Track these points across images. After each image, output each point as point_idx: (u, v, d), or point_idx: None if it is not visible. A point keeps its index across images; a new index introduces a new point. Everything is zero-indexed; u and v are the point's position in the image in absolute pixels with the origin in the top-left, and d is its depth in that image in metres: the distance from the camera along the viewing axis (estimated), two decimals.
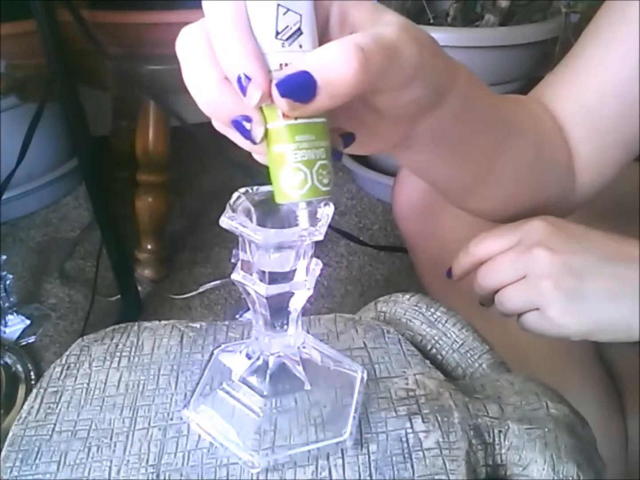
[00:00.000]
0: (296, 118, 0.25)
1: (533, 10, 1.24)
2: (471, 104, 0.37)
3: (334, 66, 0.23)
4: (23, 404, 0.35)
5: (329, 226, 0.28)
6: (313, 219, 0.27)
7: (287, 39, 0.24)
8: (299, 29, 0.24)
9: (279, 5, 0.23)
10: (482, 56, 1.18)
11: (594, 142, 0.48)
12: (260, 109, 0.25)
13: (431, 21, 1.24)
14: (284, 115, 0.24)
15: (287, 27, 0.24)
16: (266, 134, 0.25)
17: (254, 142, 0.25)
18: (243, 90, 0.24)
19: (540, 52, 1.25)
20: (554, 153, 0.48)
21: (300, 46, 0.24)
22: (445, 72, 0.31)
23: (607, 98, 0.47)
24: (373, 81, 0.24)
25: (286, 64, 0.24)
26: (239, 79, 0.23)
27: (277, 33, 0.24)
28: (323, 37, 0.26)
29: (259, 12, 0.24)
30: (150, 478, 0.30)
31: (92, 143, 0.89)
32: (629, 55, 0.45)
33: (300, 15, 0.24)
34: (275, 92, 0.23)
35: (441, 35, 1.13)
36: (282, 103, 0.23)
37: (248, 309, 0.38)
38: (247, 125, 0.25)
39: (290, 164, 0.25)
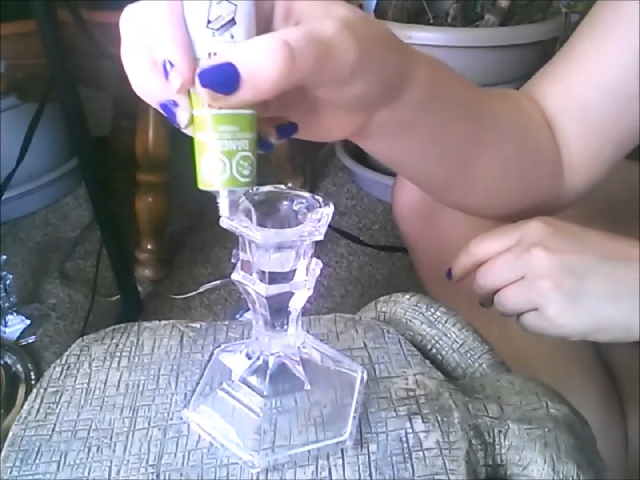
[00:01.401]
0: (220, 108, 0.25)
1: (533, 10, 1.24)
2: (437, 97, 0.36)
3: (259, 60, 0.23)
4: (23, 404, 0.35)
5: (329, 226, 0.28)
6: (234, 207, 0.27)
7: (218, 29, 0.24)
8: (233, 19, 0.24)
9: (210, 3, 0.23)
10: (482, 56, 1.18)
11: (586, 138, 0.48)
12: (189, 95, 0.25)
13: (431, 21, 1.24)
14: (209, 104, 0.25)
15: (219, 16, 0.24)
16: (193, 120, 0.26)
17: (180, 127, 0.26)
18: (166, 75, 0.24)
19: (540, 52, 1.25)
20: (539, 148, 0.48)
21: (232, 37, 0.24)
22: (398, 68, 0.31)
23: (600, 93, 0.46)
24: (300, 78, 0.24)
25: (215, 54, 0.24)
26: (164, 64, 0.24)
27: (209, 22, 0.24)
28: (267, 29, 0.26)
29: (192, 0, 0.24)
30: (150, 478, 0.30)
31: (92, 143, 0.89)
32: (623, 50, 0.45)
33: (236, 6, 0.24)
34: (197, 82, 0.23)
35: (441, 35, 1.13)
36: (203, 93, 0.24)
37: (248, 309, 0.38)
38: (174, 110, 0.25)
39: (211, 153, 0.25)
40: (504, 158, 0.45)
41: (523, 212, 0.46)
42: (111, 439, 0.32)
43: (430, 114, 0.37)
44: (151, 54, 0.25)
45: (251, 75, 0.23)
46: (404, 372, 0.36)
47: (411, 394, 0.34)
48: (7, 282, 1.01)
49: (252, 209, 0.28)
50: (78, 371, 0.37)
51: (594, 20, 0.47)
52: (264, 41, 0.23)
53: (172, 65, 0.24)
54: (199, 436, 0.32)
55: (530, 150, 0.47)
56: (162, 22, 0.24)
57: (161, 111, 0.26)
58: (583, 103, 0.47)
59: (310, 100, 0.30)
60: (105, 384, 0.36)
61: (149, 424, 0.33)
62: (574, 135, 0.48)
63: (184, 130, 0.27)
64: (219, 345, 0.35)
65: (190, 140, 0.28)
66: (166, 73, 0.24)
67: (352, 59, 0.26)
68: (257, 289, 0.28)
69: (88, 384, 0.36)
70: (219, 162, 0.25)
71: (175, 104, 0.25)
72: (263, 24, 0.26)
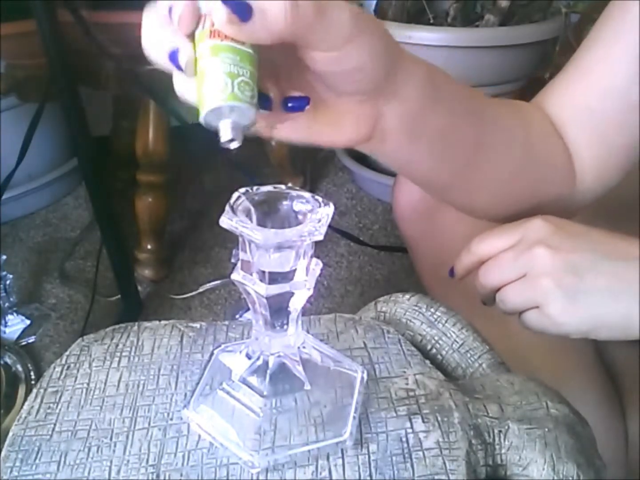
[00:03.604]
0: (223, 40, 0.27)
1: (533, 10, 1.24)
2: (438, 91, 0.38)
3: (269, 4, 0.26)
4: (23, 404, 0.35)
5: (329, 226, 0.28)
6: (236, 131, 0.27)
7: None
8: None
9: None
10: (482, 56, 1.18)
11: (596, 145, 0.49)
12: (193, 43, 0.28)
13: (431, 21, 1.24)
14: (211, 35, 0.27)
15: None
16: (195, 62, 0.28)
17: (181, 69, 0.28)
18: (170, 15, 0.28)
19: (540, 52, 1.25)
20: (546, 150, 0.48)
21: None
22: (392, 52, 0.33)
23: (609, 101, 0.47)
24: (303, 27, 0.27)
25: None
26: (169, 9, 0.28)
27: None
28: None
29: None
30: (150, 478, 0.30)
31: (92, 143, 0.89)
32: (630, 58, 0.45)
33: None
34: (219, 3, 0.26)
35: (441, 35, 1.13)
36: (221, 11, 0.26)
37: (248, 309, 0.38)
38: (179, 54, 0.28)
39: (214, 74, 0.27)
40: (510, 161, 0.46)
41: (532, 214, 0.47)
42: (111, 439, 0.32)
43: (433, 110, 0.38)
44: (159, 17, 0.28)
45: (262, 12, 0.26)
46: (404, 372, 0.36)
47: (411, 394, 0.34)
48: (7, 282, 1.02)
49: (252, 209, 0.28)
50: (78, 371, 0.37)
51: (600, 29, 0.48)
52: None
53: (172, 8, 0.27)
54: (199, 436, 0.32)
55: (536, 155, 0.47)
56: None
57: (169, 64, 0.28)
58: (589, 111, 0.48)
59: (323, 96, 0.32)
60: (105, 384, 0.36)
61: (149, 424, 0.33)
62: (583, 142, 0.49)
63: (184, 88, 0.30)
64: (219, 345, 0.35)
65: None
66: (170, 13, 0.28)
67: (347, 20, 0.29)
68: (257, 289, 0.28)
69: (88, 384, 0.36)
70: (221, 80, 0.27)
71: (178, 49, 0.28)
72: None
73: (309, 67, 0.31)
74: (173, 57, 0.28)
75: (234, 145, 0.28)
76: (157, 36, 0.28)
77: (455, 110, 0.40)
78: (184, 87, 0.30)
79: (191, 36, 0.28)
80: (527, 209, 0.47)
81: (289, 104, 0.32)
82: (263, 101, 0.29)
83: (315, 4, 0.27)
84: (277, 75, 0.32)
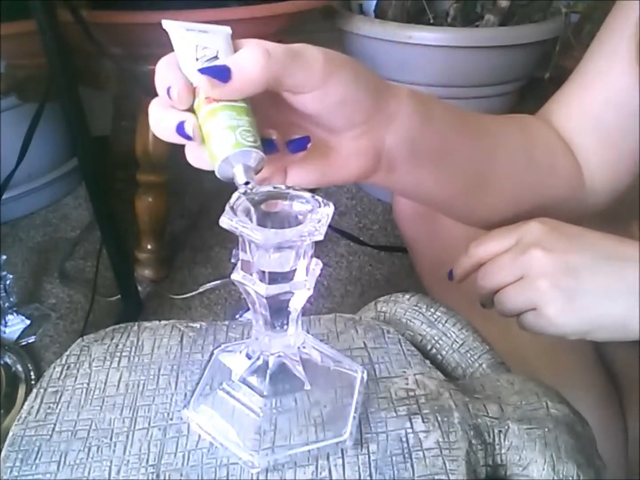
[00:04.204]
0: (217, 102, 0.31)
1: (533, 10, 1.24)
2: (431, 113, 0.39)
3: (244, 59, 0.30)
4: (23, 404, 0.35)
5: (329, 226, 0.28)
6: (249, 174, 0.30)
7: (205, 61, 0.31)
8: (216, 56, 0.32)
9: (197, 45, 0.31)
10: (482, 56, 1.18)
11: (602, 152, 0.50)
12: (193, 113, 0.31)
13: (431, 21, 1.24)
14: (207, 102, 0.31)
15: (204, 55, 0.31)
16: (201, 131, 0.31)
17: (190, 137, 0.31)
18: (169, 95, 0.31)
19: (540, 52, 1.25)
20: (550, 160, 0.49)
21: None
22: (374, 79, 0.35)
23: (612, 109, 0.48)
24: (278, 71, 0.30)
25: None
26: (167, 90, 0.31)
27: (197, 59, 0.31)
28: None
29: (182, 49, 0.32)
30: (150, 478, 0.30)
31: (92, 143, 0.89)
32: (630, 67, 0.46)
33: (217, 50, 0.32)
34: (198, 75, 0.30)
35: (441, 35, 1.13)
36: (203, 81, 0.30)
37: (248, 309, 0.38)
38: (184, 125, 0.31)
39: (217, 133, 0.30)
40: (514, 173, 0.47)
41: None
42: (111, 439, 0.32)
43: (429, 128, 0.39)
44: (161, 100, 0.32)
45: (239, 69, 0.29)
46: (404, 372, 0.36)
47: (411, 394, 0.34)
48: (7, 282, 1.01)
49: (252, 209, 0.28)
50: (78, 371, 0.37)
51: (602, 40, 0.50)
52: (248, 47, 0.30)
53: (170, 88, 0.31)
54: (199, 436, 0.32)
55: (539, 161, 0.48)
56: (161, 69, 0.32)
57: (177, 138, 0.31)
58: (596, 120, 0.50)
59: (321, 136, 0.35)
60: (105, 384, 0.36)
61: (149, 424, 0.33)
62: (590, 149, 0.50)
63: (196, 157, 0.33)
64: (219, 345, 0.35)
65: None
66: (169, 95, 0.31)
67: (319, 61, 0.31)
68: (257, 289, 0.28)
69: (88, 384, 0.36)
70: (224, 134, 0.30)
71: (183, 121, 0.31)
72: None
73: (302, 111, 0.33)
74: (180, 129, 0.31)
75: (250, 186, 0.30)
76: (162, 117, 0.32)
77: (449, 128, 0.42)
78: (195, 156, 0.33)
79: (191, 109, 0.32)
80: (530, 217, 0.48)
81: (292, 146, 0.34)
82: (268, 144, 0.32)
83: (286, 48, 0.30)
84: (277, 129, 0.34)
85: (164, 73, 0.32)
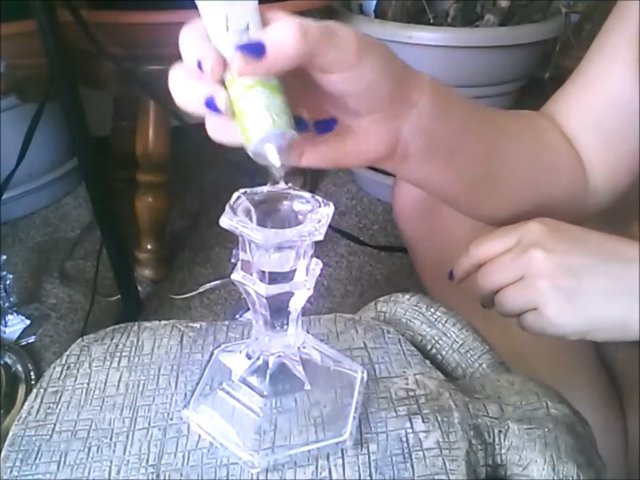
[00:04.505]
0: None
1: (533, 10, 1.24)
2: (448, 105, 0.39)
3: (279, 35, 0.29)
4: (23, 404, 0.35)
5: (329, 226, 0.28)
6: (283, 155, 0.30)
7: (236, 33, 0.30)
8: (246, 28, 0.30)
9: (226, 15, 0.30)
10: (482, 56, 1.18)
11: (605, 152, 0.50)
12: (224, 87, 0.30)
13: (431, 21, 1.24)
14: (242, 71, 0.29)
15: (235, 27, 0.30)
16: (231, 107, 0.30)
17: (220, 110, 0.30)
18: (200, 68, 0.29)
19: (540, 52, 1.25)
20: (555, 158, 0.49)
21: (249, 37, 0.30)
22: (400, 66, 0.35)
23: (613, 108, 0.48)
24: (313, 49, 0.29)
25: None
26: (198, 63, 0.29)
27: (227, 28, 0.30)
28: None
29: (211, 20, 0.30)
30: (150, 478, 0.30)
31: (92, 143, 0.89)
32: (629, 67, 0.46)
33: (247, 22, 0.30)
34: (233, 52, 0.29)
35: (441, 35, 1.13)
36: (237, 57, 0.29)
37: (248, 309, 0.38)
38: (215, 100, 0.30)
39: (252, 109, 0.29)
40: (520, 170, 0.47)
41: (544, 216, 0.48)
42: (111, 439, 0.32)
43: (445, 121, 0.39)
44: (189, 69, 0.30)
45: (274, 44, 0.28)
46: (404, 372, 0.36)
47: (411, 394, 0.34)
48: (7, 282, 1.01)
49: (252, 209, 0.28)
50: (78, 371, 0.37)
51: (602, 40, 0.50)
52: (283, 21, 0.29)
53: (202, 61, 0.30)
54: (199, 436, 0.32)
55: (545, 159, 0.49)
56: (190, 38, 0.30)
57: (206, 111, 0.30)
58: (596, 120, 0.50)
59: (342, 117, 0.34)
60: (105, 384, 0.36)
61: (149, 424, 0.33)
62: (592, 149, 0.50)
63: (220, 130, 0.32)
64: (219, 345, 0.35)
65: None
66: (200, 67, 0.29)
67: (354, 41, 0.31)
68: (257, 289, 0.28)
69: (88, 384, 0.36)
70: (261, 113, 0.29)
71: (214, 95, 0.30)
72: None
73: (328, 91, 0.32)
74: (210, 103, 0.30)
75: (283, 169, 0.30)
76: (189, 88, 0.31)
77: (465, 122, 0.42)
78: (218, 130, 0.32)
79: (222, 82, 0.30)
80: (535, 214, 0.48)
81: (320, 127, 0.34)
82: (299, 123, 0.32)
83: (322, 26, 0.29)
84: (303, 109, 0.34)
85: (194, 44, 0.30)
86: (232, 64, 0.29)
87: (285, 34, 0.28)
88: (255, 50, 0.29)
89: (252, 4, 0.31)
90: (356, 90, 0.32)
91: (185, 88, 0.31)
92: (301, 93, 0.33)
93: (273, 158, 0.30)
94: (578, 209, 0.52)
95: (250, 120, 0.29)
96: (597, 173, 0.51)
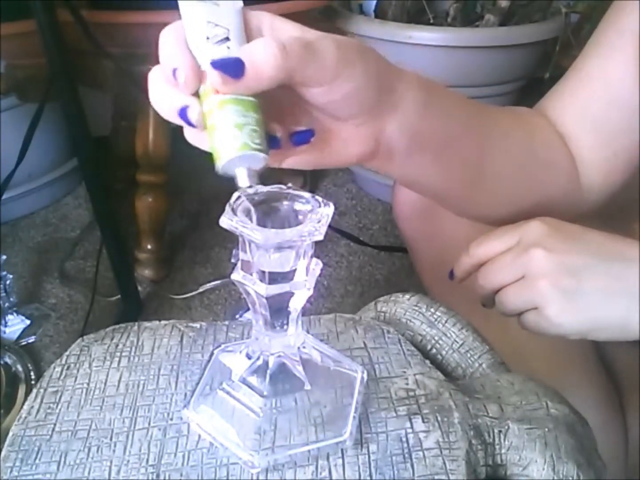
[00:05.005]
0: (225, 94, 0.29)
1: (533, 10, 1.24)
2: (436, 102, 0.39)
3: (259, 53, 0.28)
4: (23, 404, 0.35)
5: (329, 226, 0.28)
6: (252, 178, 0.30)
7: (215, 43, 0.29)
8: (227, 37, 0.30)
9: (208, 21, 0.29)
10: (482, 56, 1.18)
11: (598, 149, 0.49)
12: (198, 98, 0.30)
13: (431, 21, 1.24)
14: (217, 90, 0.29)
15: (215, 35, 0.29)
16: (204, 118, 0.30)
17: (192, 124, 0.30)
18: (174, 77, 0.29)
19: (540, 52, 1.25)
20: (549, 155, 0.49)
21: (228, 48, 0.30)
22: (384, 70, 0.35)
23: (609, 107, 0.48)
24: (293, 68, 0.29)
25: None
26: (173, 71, 0.29)
27: (208, 38, 0.29)
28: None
29: (191, 24, 0.30)
30: (150, 478, 0.30)
31: (92, 143, 0.89)
32: (627, 65, 0.46)
33: (228, 30, 0.30)
34: (210, 69, 0.28)
35: (441, 35, 1.13)
36: (214, 76, 0.28)
37: (248, 309, 0.38)
38: (187, 110, 0.30)
39: (223, 129, 0.29)
40: (513, 168, 0.47)
41: (534, 217, 0.47)
42: (111, 439, 0.32)
43: (433, 118, 0.39)
44: (165, 74, 0.30)
45: (253, 64, 0.28)
46: (404, 372, 0.36)
47: (411, 394, 0.34)
48: (7, 282, 1.01)
49: (252, 209, 0.28)
50: (78, 371, 0.37)
51: (599, 37, 0.49)
52: (262, 41, 0.29)
53: (177, 69, 0.29)
54: (199, 436, 0.32)
55: (538, 156, 0.48)
56: (168, 42, 0.30)
57: (178, 120, 0.30)
58: (592, 117, 0.49)
59: (323, 121, 0.34)
60: (105, 384, 0.36)
61: (149, 424, 0.33)
62: (586, 147, 0.50)
63: (196, 139, 0.32)
64: (219, 345, 0.35)
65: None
66: (174, 76, 0.29)
67: (333, 54, 0.30)
68: (257, 289, 0.28)
69: (88, 384, 0.36)
70: (231, 133, 0.29)
71: (187, 107, 0.30)
72: (252, 38, 0.31)
73: (310, 101, 0.32)
74: (183, 114, 0.30)
75: (251, 190, 0.29)
76: (164, 93, 0.30)
77: (454, 118, 0.41)
78: (195, 139, 0.32)
79: (196, 93, 0.30)
80: (530, 213, 0.48)
81: (296, 139, 0.33)
82: (271, 141, 0.31)
83: (301, 42, 0.29)
84: (282, 113, 0.34)
85: (171, 49, 0.30)
86: (208, 76, 0.29)
87: (264, 54, 0.28)
88: (233, 69, 0.28)
89: (235, 8, 0.30)
90: (335, 101, 0.32)
91: (161, 94, 0.30)
92: (282, 95, 0.33)
93: (241, 180, 0.29)
94: (571, 209, 0.52)
95: (220, 139, 0.29)
96: (590, 171, 0.50)
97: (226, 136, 0.29)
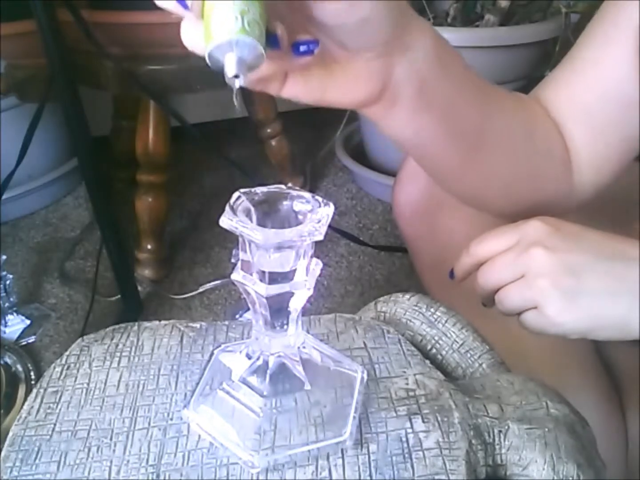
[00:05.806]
0: None
1: (533, 10, 1.24)
2: (448, 63, 0.38)
3: None
4: (23, 404, 0.35)
5: (329, 226, 0.28)
6: (241, 66, 0.27)
7: None
8: None
9: None
10: (482, 56, 1.18)
11: (593, 141, 0.49)
12: None
13: (431, 21, 1.24)
14: None
15: None
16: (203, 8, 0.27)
17: (187, 7, 0.27)
18: None
19: (540, 52, 1.25)
20: (548, 143, 0.48)
21: None
22: (402, 8, 0.33)
23: (604, 98, 0.47)
24: None
25: None
26: None
27: None
28: None
29: None
30: (150, 478, 0.30)
31: (92, 143, 0.89)
32: (623, 56, 0.46)
33: None
34: None
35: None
36: None
37: (248, 309, 0.38)
38: None
39: (224, 7, 0.26)
40: (513, 147, 0.46)
41: (532, 209, 0.47)
42: (111, 439, 0.32)
43: (442, 77, 0.38)
44: None
45: None
46: (404, 372, 0.36)
47: (411, 394, 0.34)
48: (7, 282, 1.01)
49: (252, 209, 0.28)
50: (78, 371, 0.37)
51: (595, 28, 0.49)
52: None
53: None
54: (199, 436, 0.32)
55: (538, 142, 0.48)
56: None
57: (177, 7, 0.28)
58: (586, 109, 0.49)
59: (332, 51, 0.33)
60: (105, 384, 0.36)
61: (149, 424, 0.33)
62: (579, 139, 0.49)
63: (192, 36, 0.29)
64: (219, 345, 0.35)
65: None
66: None
67: None
68: (257, 289, 0.28)
69: (88, 384, 0.36)
70: (232, 15, 0.26)
71: None
72: None
73: (319, 20, 0.30)
74: None
75: (238, 83, 0.27)
76: None
77: (462, 82, 0.41)
78: (191, 34, 0.30)
79: None
80: (528, 205, 0.47)
81: (299, 46, 0.31)
82: (271, 40, 0.29)
83: None
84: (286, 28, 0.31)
85: None
86: None
87: None
88: None
89: None
90: (349, 25, 0.31)
91: None
92: (290, 11, 0.31)
93: (229, 67, 0.27)
94: (563, 202, 0.51)
95: (217, 20, 0.27)
96: (584, 162, 0.50)
97: (225, 17, 0.26)
